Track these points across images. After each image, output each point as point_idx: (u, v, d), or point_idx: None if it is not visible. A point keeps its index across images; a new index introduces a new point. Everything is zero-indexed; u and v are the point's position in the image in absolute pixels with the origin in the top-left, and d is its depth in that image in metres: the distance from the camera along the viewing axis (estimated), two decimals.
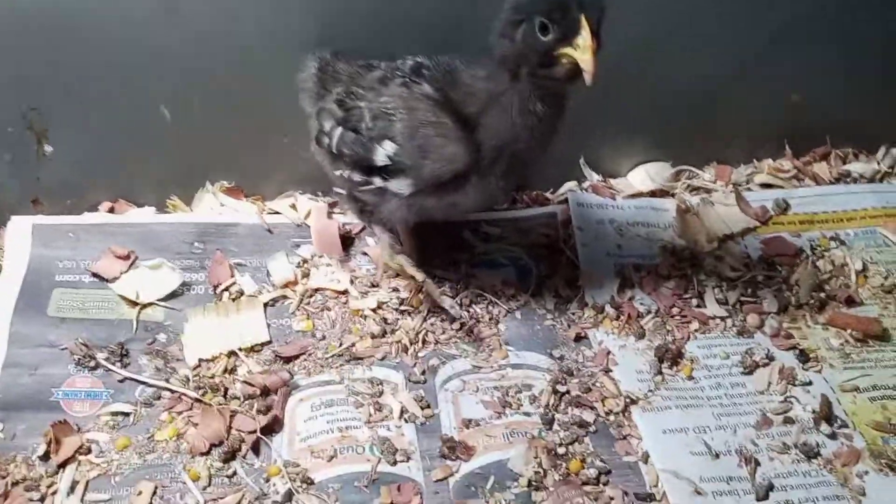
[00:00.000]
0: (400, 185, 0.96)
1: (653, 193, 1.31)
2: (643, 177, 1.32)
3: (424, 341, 1.07)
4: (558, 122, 0.93)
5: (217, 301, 1.09)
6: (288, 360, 1.04)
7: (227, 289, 1.10)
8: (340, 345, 1.06)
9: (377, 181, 0.97)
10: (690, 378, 1.05)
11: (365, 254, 1.17)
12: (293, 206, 1.21)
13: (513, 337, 1.09)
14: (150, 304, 1.07)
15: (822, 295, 1.16)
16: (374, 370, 1.03)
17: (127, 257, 1.10)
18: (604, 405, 1.00)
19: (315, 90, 1.05)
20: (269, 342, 1.05)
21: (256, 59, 1.08)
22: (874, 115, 1.35)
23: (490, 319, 1.11)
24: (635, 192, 1.30)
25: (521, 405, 1.00)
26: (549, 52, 0.84)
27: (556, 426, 0.98)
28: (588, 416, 0.99)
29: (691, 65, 1.21)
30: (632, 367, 1.06)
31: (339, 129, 0.98)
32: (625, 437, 0.97)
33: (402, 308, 1.10)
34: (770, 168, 1.36)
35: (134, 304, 1.06)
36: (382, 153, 0.94)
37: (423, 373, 1.03)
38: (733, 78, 1.25)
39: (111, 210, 1.18)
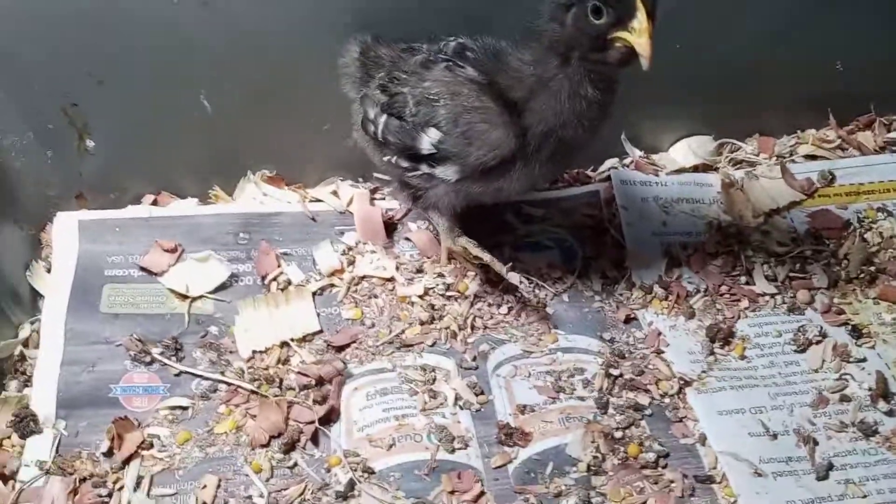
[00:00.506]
0: (446, 172, 0.95)
1: (696, 168, 1.29)
2: (685, 151, 1.30)
3: (473, 327, 1.07)
4: (609, 106, 0.92)
5: (266, 292, 1.09)
6: (340, 349, 1.04)
7: (274, 279, 1.10)
8: (390, 332, 1.06)
9: (424, 168, 0.96)
10: (743, 357, 1.05)
11: (408, 239, 1.16)
12: (335, 193, 1.20)
13: (562, 320, 1.08)
14: (200, 296, 1.07)
15: (872, 269, 1.15)
16: (424, 357, 1.03)
17: (174, 250, 1.10)
18: (658, 387, 1.00)
19: (358, 75, 1.03)
20: (320, 331, 1.05)
21: (293, 46, 1.06)
22: None
23: (538, 303, 1.10)
24: (678, 167, 1.28)
25: (575, 389, 1.00)
26: (603, 37, 0.82)
27: (611, 410, 0.98)
28: (643, 399, 0.99)
29: (730, 34, 1.18)
30: (683, 348, 1.05)
31: (384, 116, 0.97)
32: (681, 420, 0.97)
33: (449, 294, 1.10)
34: (814, 139, 1.33)
35: (184, 297, 1.06)
36: (427, 141, 0.93)
37: (474, 359, 1.03)
38: (774, 46, 1.22)
39: (154, 202, 1.18)
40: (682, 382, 1.01)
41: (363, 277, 1.12)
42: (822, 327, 1.07)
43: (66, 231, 1.11)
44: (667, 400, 0.99)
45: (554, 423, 0.96)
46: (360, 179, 1.21)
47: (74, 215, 1.13)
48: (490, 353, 1.04)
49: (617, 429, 0.95)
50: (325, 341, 1.04)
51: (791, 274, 1.14)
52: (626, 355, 1.04)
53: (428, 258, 1.14)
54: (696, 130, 1.32)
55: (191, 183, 1.19)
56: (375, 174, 1.19)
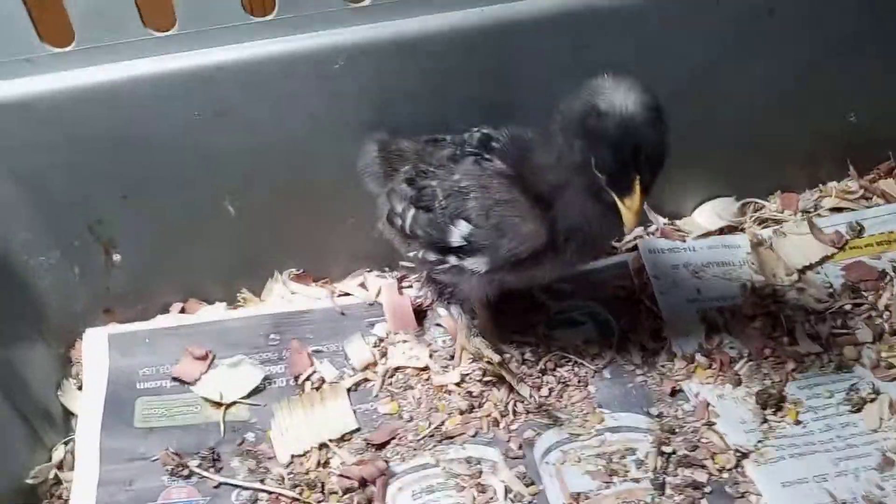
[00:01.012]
0: (476, 263, 0.93)
1: (721, 231, 1.27)
2: (710, 215, 1.29)
3: (515, 412, 1.04)
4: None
5: (300, 392, 1.07)
6: (380, 446, 1.01)
7: (308, 378, 1.08)
8: (430, 425, 1.03)
9: (452, 260, 0.95)
10: (798, 423, 1.01)
11: (440, 325, 1.14)
12: (362, 286, 1.19)
13: (605, 398, 1.05)
14: (235, 403, 1.05)
15: None
16: (468, 449, 1.00)
17: (205, 357, 1.08)
18: (714, 462, 0.96)
19: (381, 171, 1.04)
20: (358, 429, 1.03)
21: (312, 147, 1.07)
22: None
23: (578, 382, 1.07)
24: (704, 231, 1.27)
25: (629, 471, 0.96)
26: (600, 186, 0.82)
27: (668, 490, 0.93)
28: (700, 476, 0.94)
29: (740, 94, 1.18)
30: (735, 418, 1.01)
31: (412, 210, 0.97)
32: (742, 496, 0.93)
33: (486, 379, 1.07)
34: (837, 191, 1.32)
35: (218, 405, 1.04)
36: (457, 234, 0.93)
37: (520, 447, 0.99)
38: (785, 103, 1.22)
39: (182, 310, 1.17)
40: (739, 455, 0.96)
41: (397, 369, 1.10)
42: (874, 384, 1.03)
43: (96, 347, 1.10)
44: (725, 475, 0.95)
45: None
46: (387, 269, 1.21)
47: (104, 330, 1.12)
48: (536, 440, 1.00)
49: None
50: (365, 440, 1.01)
51: (834, 330, 1.11)
52: (677, 430, 1.00)
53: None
54: (717, 193, 1.31)
55: (218, 288, 1.19)
56: (402, 263, 1.19)
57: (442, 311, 1.15)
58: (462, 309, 1.05)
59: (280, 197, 1.11)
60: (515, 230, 0.89)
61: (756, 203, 1.32)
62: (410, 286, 1.19)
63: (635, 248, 1.23)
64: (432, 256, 0.97)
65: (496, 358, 1.01)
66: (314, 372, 1.09)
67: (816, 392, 1.04)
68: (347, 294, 1.18)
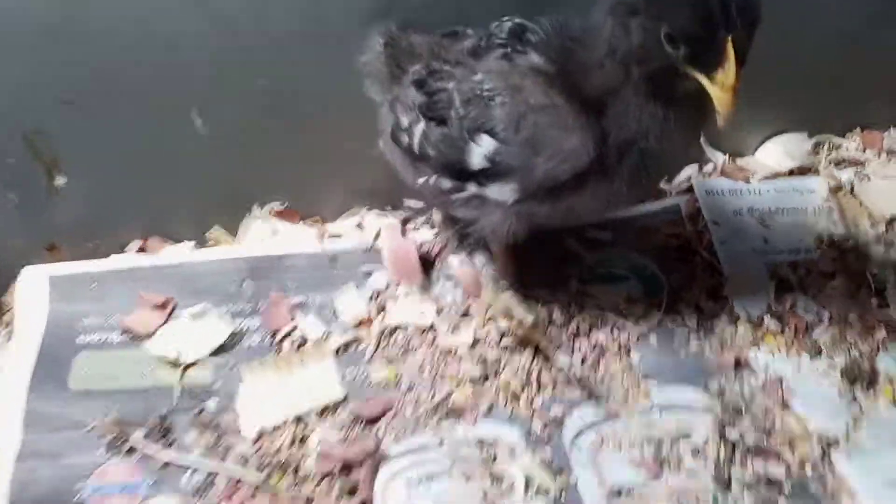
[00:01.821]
0: (502, 192, 0.73)
1: (791, 172, 1.06)
2: (778, 153, 1.08)
3: (540, 384, 0.84)
4: (695, 123, 0.71)
5: (277, 352, 0.87)
6: (371, 421, 0.82)
7: (287, 335, 0.89)
8: (433, 396, 0.83)
9: (472, 188, 0.75)
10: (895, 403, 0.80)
11: (449, 278, 0.94)
12: (359, 226, 0.99)
13: (652, 369, 0.85)
14: (195, 362, 0.86)
15: None
16: (480, 427, 0.80)
17: (164, 306, 0.89)
18: (793, 452, 0.76)
19: (386, 72, 0.83)
20: (345, 400, 0.83)
21: (303, 44, 0.87)
22: None
23: (619, 349, 0.87)
24: (771, 172, 1.06)
25: (682, 461, 0.76)
26: (674, 68, 0.63)
27: (735, 487, 0.73)
28: (776, 470, 0.75)
29: (819, 15, 0.98)
30: (817, 397, 0.82)
31: (422, 122, 0.76)
32: (832, 497, 0.73)
33: (505, 343, 0.87)
34: None
35: (175, 364, 0.85)
36: (479, 153, 0.72)
37: (546, 427, 0.80)
38: (872, 29, 1.01)
39: (142, 250, 0.98)
40: (824, 444, 0.76)
41: (396, 328, 0.90)
42: None
43: (33, 289, 0.91)
44: (809, 469, 0.75)
45: None
46: (389, 208, 1.01)
47: (45, 270, 0.93)
48: (566, 418, 0.80)
49: None
50: (352, 412, 0.82)
51: None
52: (744, 411, 0.80)
53: (476, 299, 0.91)
54: (785, 128, 1.11)
55: (186, 224, 0.99)
56: (407, 202, 0.98)
57: (454, 261, 0.94)
58: (492, 252, 0.84)
59: (259, 110, 0.91)
60: (555, 145, 0.68)
61: (832, 141, 1.11)
62: (417, 229, 0.99)
63: (689, 189, 1.03)
64: (447, 184, 0.76)
65: (529, 318, 0.80)
66: (295, 328, 0.89)
67: None
68: (339, 236, 0.98)
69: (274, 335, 0.89)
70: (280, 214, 0.99)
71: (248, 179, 0.98)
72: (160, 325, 0.88)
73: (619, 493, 0.73)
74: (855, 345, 0.87)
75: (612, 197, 0.74)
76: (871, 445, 0.76)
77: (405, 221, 0.99)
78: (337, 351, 0.88)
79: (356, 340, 0.89)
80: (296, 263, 0.95)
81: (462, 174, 0.75)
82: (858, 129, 1.12)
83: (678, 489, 0.73)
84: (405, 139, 0.78)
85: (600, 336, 0.88)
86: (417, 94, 0.77)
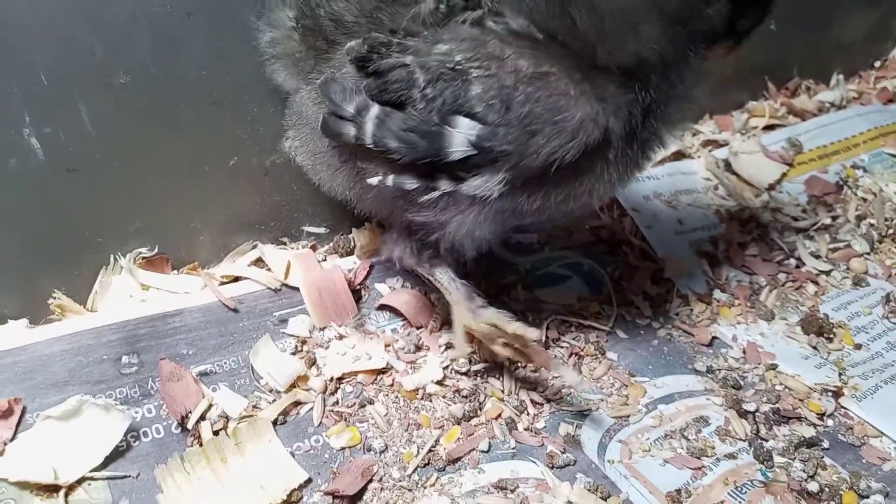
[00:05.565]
0: (486, 185, 0.59)
1: (674, 156, 1.09)
2: None
3: (534, 403, 0.71)
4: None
5: (195, 442, 0.64)
6: (353, 498, 0.62)
7: (202, 417, 0.66)
8: (417, 450, 0.67)
9: (444, 185, 0.60)
10: (858, 347, 0.82)
11: (384, 308, 0.78)
12: (258, 264, 0.79)
13: (635, 364, 0.78)
14: (81, 481, 0.59)
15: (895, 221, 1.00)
16: (490, 471, 0.65)
17: (8, 413, 0.62)
18: (809, 409, 0.72)
19: (304, 49, 0.66)
20: (309, 480, 0.63)
21: (170, 30, 0.67)
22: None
23: (595, 350, 0.78)
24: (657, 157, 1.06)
25: (715, 448, 0.68)
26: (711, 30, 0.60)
27: (777, 458, 0.67)
28: (804, 430, 0.70)
29: None
30: (794, 354, 0.80)
31: (376, 108, 0.60)
32: (863, 441, 0.69)
33: (475, 368, 0.74)
34: (769, 109, 1.20)
35: (51, 490, 0.58)
36: (460, 139, 0.58)
37: (564, 451, 0.67)
38: None
39: None
40: (830, 395, 0.74)
41: (341, 378, 0.72)
42: None
43: None
44: (830, 421, 0.71)
45: (727, 502, 0.62)
46: (286, 238, 0.82)
47: None
48: (580, 435, 0.69)
49: (805, 479, 0.65)
50: (327, 493, 0.62)
51: (830, 245, 0.96)
52: (742, 383, 0.75)
53: (420, 327, 0.77)
54: None
55: (10, 294, 0.71)
56: (306, 229, 0.81)
57: (383, 289, 0.79)
58: (452, 273, 0.69)
59: (107, 120, 0.68)
60: (558, 121, 0.57)
61: (692, 128, 1.15)
62: (324, 259, 0.82)
63: None
64: (411, 182, 0.61)
65: (533, 333, 0.66)
66: (210, 406, 0.67)
67: (853, 311, 0.87)
68: (238, 279, 0.77)
69: (183, 421, 0.66)
70: (147, 264, 0.75)
71: (100, 216, 0.72)
72: (9, 441, 0.61)
73: (676, 497, 0.63)
74: (799, 303, 0.87)
75: (622, 175, 0.64)
76: (868, 387, 0.75)
77: (314, 248, 0.81)
78: (275, 423, 0.67)
79: (295, 405, 0.69)
80: (185, 322, 0.72)
81: (431, 170, 0.60)
82: (708, 116, 1.18)
83: (728, 474, 0.65)
84: (350, 130, 0.62)
85: (570, 340, 0.79)
86: (363, 76, 0.61)
